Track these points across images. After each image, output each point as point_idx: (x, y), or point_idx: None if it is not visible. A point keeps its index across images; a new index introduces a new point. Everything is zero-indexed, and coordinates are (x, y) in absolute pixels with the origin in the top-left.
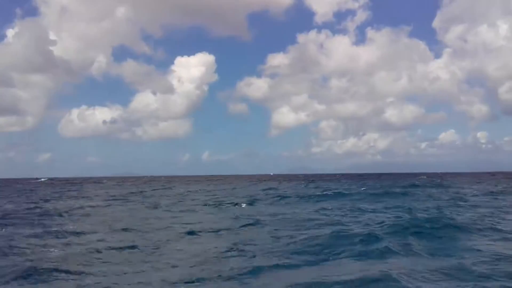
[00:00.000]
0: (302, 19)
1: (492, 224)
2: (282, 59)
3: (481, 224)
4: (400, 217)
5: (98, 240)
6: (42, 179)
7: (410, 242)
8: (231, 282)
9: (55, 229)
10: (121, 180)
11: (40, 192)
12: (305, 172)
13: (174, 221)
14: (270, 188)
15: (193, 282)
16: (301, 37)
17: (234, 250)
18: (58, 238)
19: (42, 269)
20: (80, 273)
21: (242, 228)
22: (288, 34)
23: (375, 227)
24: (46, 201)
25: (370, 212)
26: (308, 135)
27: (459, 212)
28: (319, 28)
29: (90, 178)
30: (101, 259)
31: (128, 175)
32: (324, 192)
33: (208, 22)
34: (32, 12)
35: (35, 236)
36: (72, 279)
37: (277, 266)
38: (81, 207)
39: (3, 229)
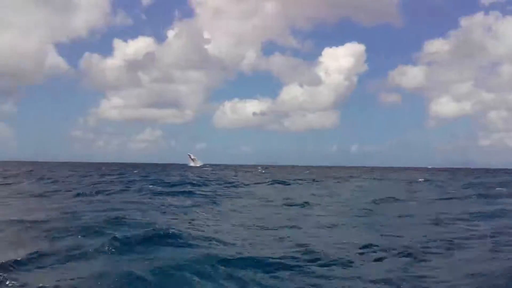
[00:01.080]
0: (465, 0)
1: None
2: (441, 45)
3: None
4: None
5: None
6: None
7: None
8: None
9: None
10: (272, 168)
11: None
12: (467, 166)
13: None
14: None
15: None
16: (464, 21)
17: None
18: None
19: None
20: None
21: None
22: (447, 17)
23: None
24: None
25: None
26: (472, 127)
27: None
28: (486, 9)
29: (243, 165)
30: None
31: (275, 165)
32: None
33: (357, 12)
34: (189, 13)
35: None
36: None
37: None
38: None
39: None
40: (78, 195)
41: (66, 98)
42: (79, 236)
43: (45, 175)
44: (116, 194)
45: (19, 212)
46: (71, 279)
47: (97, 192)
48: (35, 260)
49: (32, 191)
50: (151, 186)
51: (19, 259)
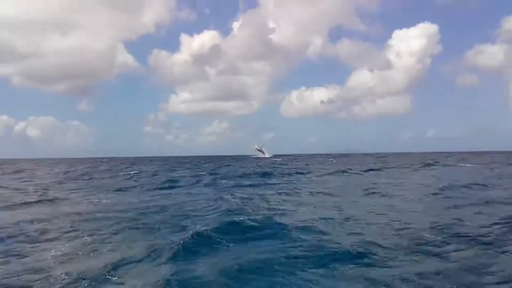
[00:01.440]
0: None
1: None
2: None
3: None
4: None
5: None
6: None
7: None
8: None
9: None
10: (343, 157)
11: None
12: None
13: None
14: None
15: None
16: None
17: None
18: None
19: None
20: None
21: None
22: None
23: None
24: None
25: None
26: None
27: None
28: None
29: (313, 155)
30: None
31: (346, 153)
32: None
33: None
34: (253, 3)
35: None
36: None
37: None
38: None
39: None
40: (152, 189)
41: (136, 95)
42: (164, 232)
43: (122, 170)
44: (190, 187)
45: (103, 207)
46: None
47: (172, 187)
48: (116, 264)
49: (112, 187)
50: (224, 181)
51: (107, 263)
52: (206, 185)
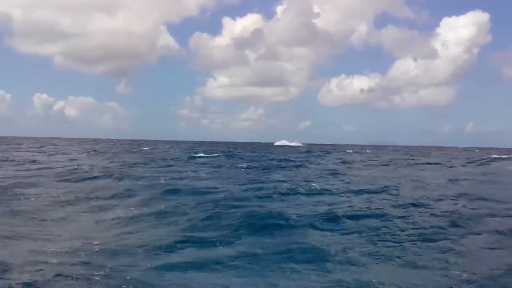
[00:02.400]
0: None
1: None
2: None
3: None
4: None
5: None
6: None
7: None
8: None
9: None
10: (381, 148)
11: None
12: None
13: None
14: None
15: None
16: None
17: None
18: None
19: None
20: None
21: None
22: None
23: None
24: None
25: None
26: None
27: None
28: None
29: (349, 145)
30: None
31: (383, 144)
32: None
33: None
34: None
35: None
36: None
37: None
38: None
39: None
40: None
41: (175, 78)
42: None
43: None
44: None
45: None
46: None
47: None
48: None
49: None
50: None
51: None
52: (247, 172)
